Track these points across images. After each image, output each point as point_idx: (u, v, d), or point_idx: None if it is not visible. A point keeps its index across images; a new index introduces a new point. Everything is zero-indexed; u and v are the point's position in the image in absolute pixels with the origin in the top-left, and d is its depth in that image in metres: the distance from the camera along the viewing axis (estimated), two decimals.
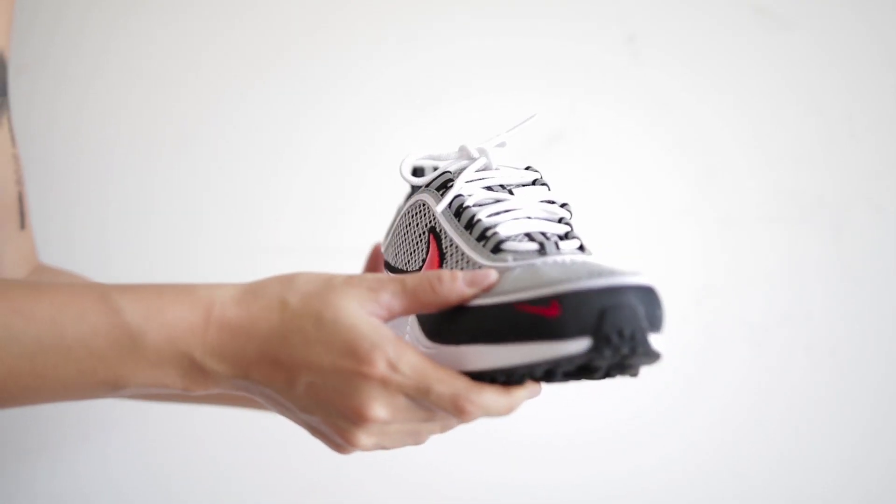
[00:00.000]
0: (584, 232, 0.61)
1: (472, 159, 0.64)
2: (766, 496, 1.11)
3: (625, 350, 0.51)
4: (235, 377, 0.55)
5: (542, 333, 0.52)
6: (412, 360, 0.53)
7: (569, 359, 0.51)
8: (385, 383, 0.53)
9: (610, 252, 1.08)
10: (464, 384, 0.53)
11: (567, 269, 0.53)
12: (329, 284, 0.55)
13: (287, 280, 0.56)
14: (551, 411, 1.07)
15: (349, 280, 0.55)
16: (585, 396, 1.09)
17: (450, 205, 0.62)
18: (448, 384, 0.53)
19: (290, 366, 0.54)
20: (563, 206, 0.62)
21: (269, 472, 1.08)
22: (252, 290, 0.55)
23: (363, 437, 0.55)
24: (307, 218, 1.07)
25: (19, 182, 0.79)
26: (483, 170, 0.64)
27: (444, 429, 0.58)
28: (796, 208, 1.09)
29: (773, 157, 1.10)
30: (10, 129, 0.77)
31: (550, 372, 0.53)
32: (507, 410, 0.54)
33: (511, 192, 0.62)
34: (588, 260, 0.56)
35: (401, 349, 0.53)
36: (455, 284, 0.54)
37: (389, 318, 0.55)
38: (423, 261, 0.63)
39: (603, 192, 1.09)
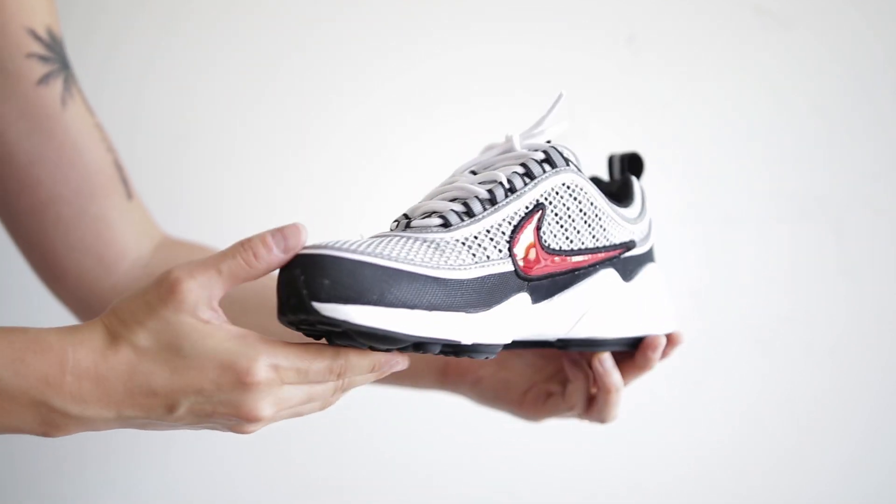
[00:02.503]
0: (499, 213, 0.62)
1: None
2: (766, 496, 1.11)
3: (293, 317, 0.55)
4: (105, 418, 0.56)
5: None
6: (287, 353, 0.56)
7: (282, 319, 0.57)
8: (270, 384, 0.55)
9: None
10: (330, 352, 0.57)
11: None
12: (151, 311, 0.55)
13: (114, 319, 0.56)
14: None
15: (164, 298, 0.55)
16: None
17: None
18: (320, 359, 0.56)
19: (167, 394, 0.55)
20: (488, 184, 0.63)
21: (272, 470, 1.08)
22: (97, 337, 0.56)
23: (253, 428, 0.57)
24: (311, 218, 1.06)
25: (110, 150, 0.80)
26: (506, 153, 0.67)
27: (322, 406, 0.60)
28: (796, 208, 1.09)
29: (773, 157, 1.10)
30: (85, 101, 0.79)
31: (314, 335, 0.58)
32: (371, 368, 0.58)
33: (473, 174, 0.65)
34: (378, 235, 0.59)
35: (273, 349, 0.55)
36: (271, 255, 0.56)
37: (217, 300, 0.57)
38: None
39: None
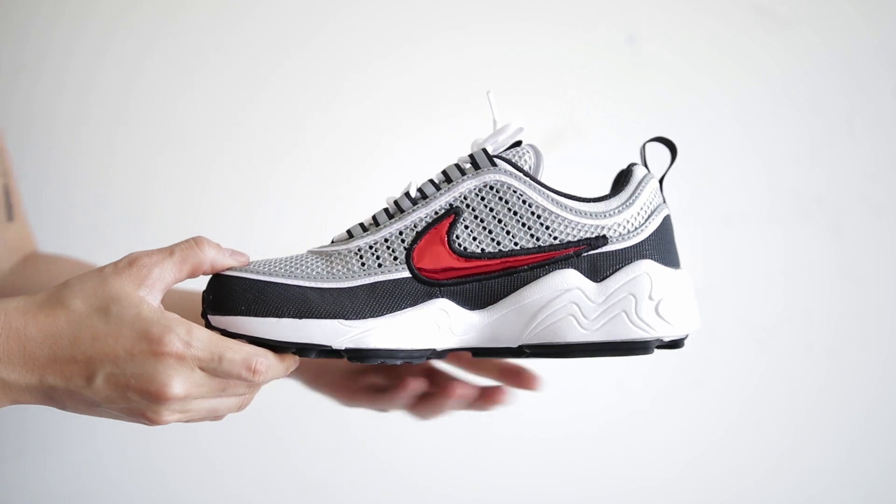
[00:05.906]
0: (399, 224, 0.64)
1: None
2: (766, 496, 1.11)
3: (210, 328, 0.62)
4: (29, 384, 0.58)
5: None
6: (202, 335, 0.58)
7: None
8: (181, 359, 0.57)
9: None
10: (252, 348, 0.60)
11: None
12: (102, 279, 0.58)
13: (63, 285, 0.59)
14: (550, 411, 1.07)
15: (119, 269, 0.59)
16: (584, 395, 1.09)
17: None
18: (238, 350, 0.59)
19: (86, 362, 0.57)
20: (397, 199, 0.66)
21: (269, 470, 1.08)
22: (34, 300, 0.59)
23: (166, 414, 0.59)
24: (311, 218, 1.07)
25: (5, 174, 0.82)
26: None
27: (240, 405, 0.63)
28: (796, 208, 1.10)
29: (773, 157, 1.10)
30: None
31: None
32: (285, 372, 0.62)
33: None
34: (298, 255, 0.65)
35: (190, 326, 0.58)
36: (221, 251, 0.62)
37: (165, 289, 0.60)
38: None
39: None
